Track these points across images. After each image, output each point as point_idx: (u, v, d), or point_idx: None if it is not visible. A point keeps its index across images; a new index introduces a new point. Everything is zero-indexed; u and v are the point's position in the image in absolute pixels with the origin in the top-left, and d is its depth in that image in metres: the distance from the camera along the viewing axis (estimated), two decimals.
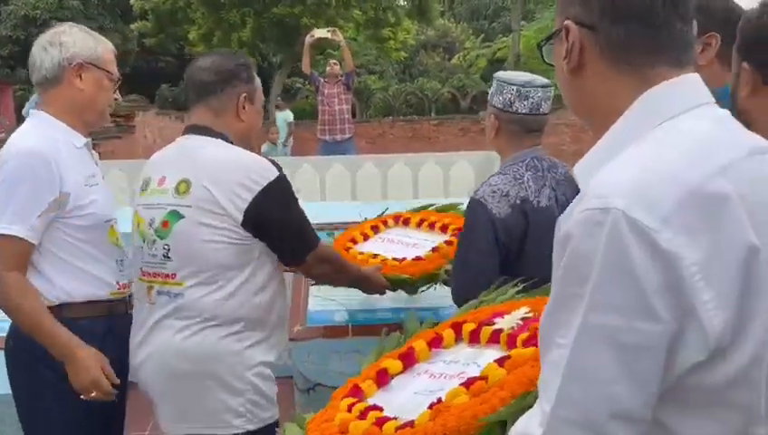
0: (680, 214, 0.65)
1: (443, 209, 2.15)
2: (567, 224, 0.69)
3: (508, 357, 1.08)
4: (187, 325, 1.50)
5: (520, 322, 1.17)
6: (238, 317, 1.51)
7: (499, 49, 18.86)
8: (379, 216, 2.18)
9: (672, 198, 0.65)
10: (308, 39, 6.11)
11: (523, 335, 1.12)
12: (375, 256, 1.90)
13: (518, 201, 1.54)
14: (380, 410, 1.12)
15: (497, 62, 19.18)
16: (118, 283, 1.64)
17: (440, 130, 13.99)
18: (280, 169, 1.53)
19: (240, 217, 1.46)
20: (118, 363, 1.59)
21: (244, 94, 1.57)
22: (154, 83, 15.76)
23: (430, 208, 2.17)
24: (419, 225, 2.07)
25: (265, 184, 1.48)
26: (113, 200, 1.71)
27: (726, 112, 0.76)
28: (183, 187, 1.49)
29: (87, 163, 1.64)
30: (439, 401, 1.06)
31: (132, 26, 16.08)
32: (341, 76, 6.40)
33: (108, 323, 1.62)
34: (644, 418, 0.66)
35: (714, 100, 0.76)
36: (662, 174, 0.67)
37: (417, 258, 1.86)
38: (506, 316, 1.20)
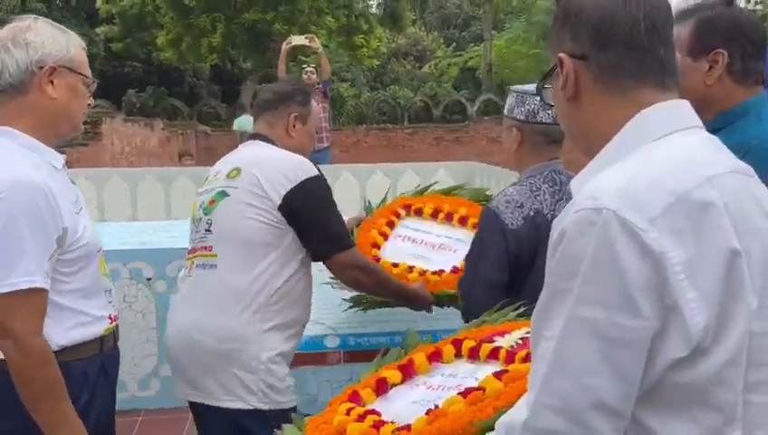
0: (667, 217, 0.69)
1: (447, 192, 2.13)
2: (561, 224, 0.73)
3: (506, 371, 1.08)
4: (215, 301, 1.60)
5: (520, 341, 1.19)
6: (262, 297, 1.59)
7: (471, 58, 19.03)
8: (382, 202, 2.14)
9: (660, 202, 0.69)
10: (285, 46, 6.04)
11: (522, 353, 1.13)
12: (411, 268, 1.88)
13: (531, 213, 1.52)
14: (378, 414, 1.14)
15: (469, 70, 19.41)
16: (110, 316, 1.46)
17: (414, 138, 14.05)
18: (321, 172, 1.69)
19: (278, 201, 1.60)
20: (108, 404, 1.47)
21: (296, 114, 1.77)
22: (120, 89, 15.47)
23: (431, 190, 2.13)
24: (435, 216, 2.03)
25: (305, 177, 1.64)
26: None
27: (712, 136, 0.80)
28: (234, 173, 1.68)
29: (70, 186, 1.41)
30: (436, 407, 1.07)
31: (98, 30, 15.78)
32: (319, 84, 6.31)
33: (101, 361, 1.44)
34: (623, 412, 0.70)
35: (701, 124, 0.80)
36: (650, 181, 0.71)
37: (455, 270, 1.84)
38: (506, 336, 1.21)
